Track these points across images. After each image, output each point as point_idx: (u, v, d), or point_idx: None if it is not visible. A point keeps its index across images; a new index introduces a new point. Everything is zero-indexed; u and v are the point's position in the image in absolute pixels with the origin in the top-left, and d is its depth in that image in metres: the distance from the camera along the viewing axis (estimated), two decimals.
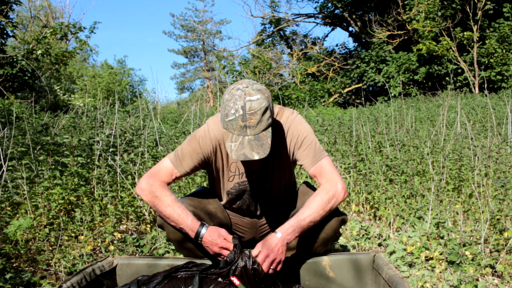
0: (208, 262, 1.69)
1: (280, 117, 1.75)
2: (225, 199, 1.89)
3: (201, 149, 1.73)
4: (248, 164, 1.77)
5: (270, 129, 1.57)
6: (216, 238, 1.61)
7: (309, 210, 1.61)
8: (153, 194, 1.68)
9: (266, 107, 1.55)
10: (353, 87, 16.59)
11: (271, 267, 1.55)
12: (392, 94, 13.89)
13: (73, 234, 2.64)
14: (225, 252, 1.61)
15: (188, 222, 1.65)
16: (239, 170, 1.79)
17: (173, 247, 2.47)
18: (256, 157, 1.52)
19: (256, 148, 1.53)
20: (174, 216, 1.66)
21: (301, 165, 1.74)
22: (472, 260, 2.26)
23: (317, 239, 1.75)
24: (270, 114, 1.57)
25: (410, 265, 2.38)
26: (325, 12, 18.39)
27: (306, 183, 1.98)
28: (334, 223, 1.72)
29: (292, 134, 1.73)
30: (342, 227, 2.50)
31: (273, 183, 1.84)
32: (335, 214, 1.72)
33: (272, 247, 1.55)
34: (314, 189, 1.91)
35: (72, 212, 2.87)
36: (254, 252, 1.56)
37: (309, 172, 1.71)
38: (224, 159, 1.78)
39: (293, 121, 1.74)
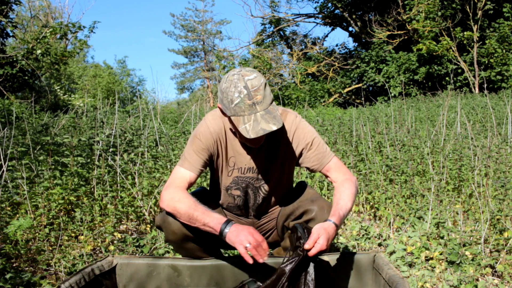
0: (207, 263, 1.70)
1: (284, 119, 1.76)
2: (223, 196, 1.89)
3: (204, 144, 1.73)
4: (246, 159, 1.77)
5: (275, 103, 1.60)
6: (243, 241, 1.51)
7: (345, 201, 1.66)
8: (173, 200, 1.64)
9: (265, 83, 1.58)
10: (353, 87, 16.59)
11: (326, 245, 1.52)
12: (392, 94, 13.90)
13: (73, 234, 2.64)
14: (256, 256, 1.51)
15: (212, 218, 1.58)
16: (236, 165, 1.79)
17: (172, 247, 2.47)
18: (274, 128, 1.52)
19: (271, 120, 1.54)
20: (196, 216, 1.59)
21: (309, 167, 1.77)
22: (472, 260, 2.26)
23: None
24: (270, 90, 1.60)
25: (410, 265, 2.38)
26: (325, 12, 18.38)
27: (302, 182, 1.98)
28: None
29: (299, 137, 1.74)
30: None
31: (274, 185, 1.84)
32: (330, 213, 1.71)
33: (329, 231, 1.54)
34: (310, 188, 1.92)
35: (72, 212, 2.87)
36: (313, 235, 1.51)
37: (323, 170, 1.76)
38: (223, 153, 1.78)
39: (299, 125, 1.76)
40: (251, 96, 1.53)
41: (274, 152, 1.77)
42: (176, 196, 1.65)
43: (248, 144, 1.73)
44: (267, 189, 1.84)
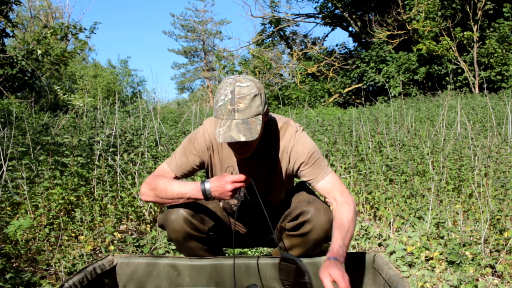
0: (206, 263, 1.70)
1: (284, 133, 1.74)
2: (221, 203, 1.89)
3: (196, 150, 1.73)
4: (245, 170, 1.76)
5: (260, 117, 1.56)
6: (223, 183, 1.56)
7: (345, 232, 1.56)
8: (151, 187, 1.68)
9: (256, 94, 1.55)
10: (353, 87, 16.59)
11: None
12: (392, 94, 13.89)
13: (73, 234, 2.64)
14: (238, 185, 1.56)
15: (188, 187, 1.62)
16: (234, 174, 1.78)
17: (173, 247, 2.47)
18: (243, 139, 1.49)
19: (244, 131, 1.51)
20: (174, 191, 1.63)
21: (307, 181, 1.74)
22: (472, 260, 2.26)
23: (308, 241, 1.75)
24: (261, 103, 1.56)
25: (410, 265, 2.38)
26: (325, 12, 18.38)
27: (301, 183, 1.97)
28: (325, 224, 1.70)
29: (297, 152, 1.72)
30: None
31: (274, 198, 1.84)
32: (326, 215, 1.71)
33: (343, 274, 1.38)
34: (308, 189, 1.91)
35: (72, 212, 2.87)
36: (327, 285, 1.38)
37: (318, 186, 1.71)
38: (218, 162, 1.77)
39: (298, 140, 1.73)
40: (233, 102, 1.52)
41: (273, 165, 1.76)
42: (152, 183, 1.68)
43: (234, 153, 1.71)
44: (268, 203, 1.83)
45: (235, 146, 1.63)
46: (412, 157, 4.17)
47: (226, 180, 1.57)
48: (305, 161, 1.71)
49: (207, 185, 1.59)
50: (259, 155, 1.74)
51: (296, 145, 1.72)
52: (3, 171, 2.92)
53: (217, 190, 1.59)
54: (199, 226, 1.72)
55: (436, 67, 14.02)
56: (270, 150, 1.74)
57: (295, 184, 1.98)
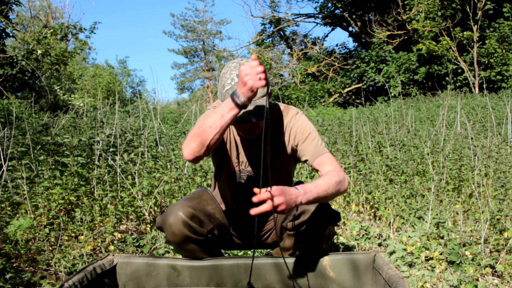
0: (206, 263, 1.70)
1: (287, 113, 1.80)
2: (228, 188, 1.89)
3: None
4: (247, 153, 1.78)
5: (266, 98, 1.54)
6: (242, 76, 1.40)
7: (321, 182, 1.56)
8: (188, 139, 1.56)
9: None
10: (353, 87, 16.60)
11: (277, 207, 1.41)
12: (392, 94, 13.89)
13: (73, 234, 2.64)
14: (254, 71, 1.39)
15: (219, 108, 1.48)
16: (239, 157, 1.81)
17: (173, 247, 2.47)
18: (254, 120, 1.53)
19: (253, 112, 1.54)
20: (213, 120, 1.49)
21: (305, 160, 1.75)
22: (472, 260, 2.26)
23: (310, 240, 1.75)
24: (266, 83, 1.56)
25: (410, 265, 2.38)
26: (325, 12, 18.39)
27: (300, 182, 1.98)
28: (326, 222, 1.72)
29: (296, 132, 1.77)
30: (337, 226, 2.49)
31: (275, 180, 1.84)
32: (328, 213, 1.72)
33: (291, 195, 1.42)
34: None
35: (72, 212, 2.87)
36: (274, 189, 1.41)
37: (314, 163, 1.72)
38: (228, 147, 1.80)
39: (298, 120, 1.78)
40: None
41: (277, 145, 1.79)
42: (186, 140, 1.57)
43: (241, 135, 1.75)
44: (268, 183, 1.84)
45: (244, 127, 1.66)
46: (412, 157, 4.17)
47: (241, 75, 1.40)
48: (302, 138, 1.75)
49: (236, 96, 1.43)
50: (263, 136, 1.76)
51: (297, 123, 1.77)
52: (3, 171, 2.92)
53: (240, 87, 1.41)
54: (197, 229, 1.71)
55: (436, 67, 14.03)
56: (274, 130, 1.77)
57: (294, 183, 1.98)
